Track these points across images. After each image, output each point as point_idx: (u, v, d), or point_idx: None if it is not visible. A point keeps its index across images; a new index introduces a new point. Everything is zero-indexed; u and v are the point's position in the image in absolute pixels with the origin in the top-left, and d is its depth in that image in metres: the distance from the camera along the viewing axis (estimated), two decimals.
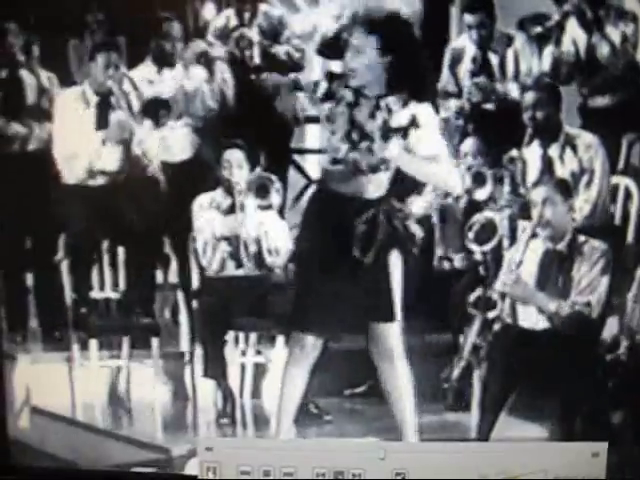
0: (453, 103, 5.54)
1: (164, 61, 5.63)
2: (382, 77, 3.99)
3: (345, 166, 3.94)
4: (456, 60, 5.66)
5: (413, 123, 3.96)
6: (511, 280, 4.63)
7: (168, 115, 5.39)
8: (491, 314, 4.63)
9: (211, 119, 5.64)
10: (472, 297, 4.67)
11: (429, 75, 4.45)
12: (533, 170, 5.15)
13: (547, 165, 5.16)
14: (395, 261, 4.08)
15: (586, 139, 5.16)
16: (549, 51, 5.46)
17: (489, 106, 5.54)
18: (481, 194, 5.16)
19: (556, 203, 4.69)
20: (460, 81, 5.64)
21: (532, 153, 5.16)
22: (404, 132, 3.95)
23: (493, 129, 5.36)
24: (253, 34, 5.72)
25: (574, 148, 5.17)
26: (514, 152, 5.11)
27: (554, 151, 5.16)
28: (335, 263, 4.01)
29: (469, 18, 5.55)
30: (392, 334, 4.12)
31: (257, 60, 5.70)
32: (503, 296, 4.64)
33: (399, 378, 4.17)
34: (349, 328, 4.32)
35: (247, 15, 5.72)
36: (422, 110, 4.01)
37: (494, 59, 5.60)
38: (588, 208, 5.07)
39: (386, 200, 4.03)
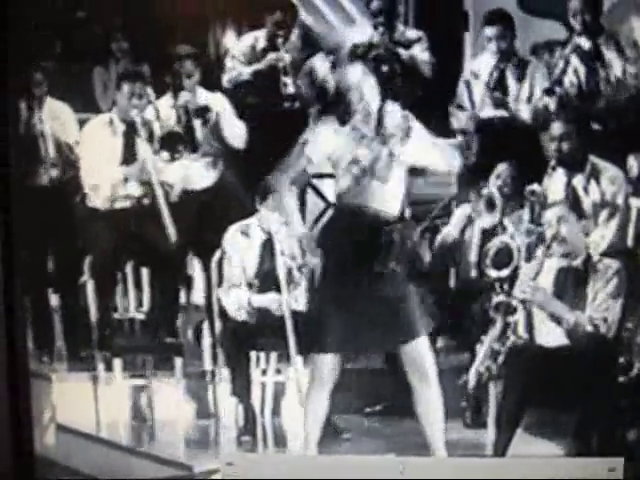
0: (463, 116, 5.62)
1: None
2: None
3: (374, 169, 4.03)
4: (474, 78, 5.75)
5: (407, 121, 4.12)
6: (530, 287, 4.68)
7: (185, 148, 5.47)
8: (512, 318, 4.66)
9: (231, 153, 5.72)
10: (494, 302, 4.71)
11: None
12: (556, 199, 5.15)
13: (571, 195, 5.18)
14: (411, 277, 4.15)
15: (611, 172, 5.17)
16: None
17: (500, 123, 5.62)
18: (486, 221, 5.22)
19: (571, 222, 4.76)
20: (473, 97, 5.74)
21: (555, 182, 5.18)
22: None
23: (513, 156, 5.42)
24: (288, 62, 5.79)
25: (598, 180, 5.20)
26: (535, 185, 5.16)
27: (579, 182, 5.17)
28: (354, 280, 4.08)
29: (488, 30, 5.68)
30: (423, 352, 4.18)
31: (291, 89, 5.77)
32: (523, 302, 4.69)
33: (432, 395, 4.23)
34: (371, 346, 4.37)
35: (280, 41, 5.79)
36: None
37: (511, 76, 5.69)
38: (605, 244, 5.10)
39: (403, 218, 4.12)
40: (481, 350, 4.70)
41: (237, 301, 5.07)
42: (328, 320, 4.16)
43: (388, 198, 4.10)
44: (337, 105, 4.16)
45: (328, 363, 4.19)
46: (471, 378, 4.70)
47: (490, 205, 5.25)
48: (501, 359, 4.64)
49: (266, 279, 5.11)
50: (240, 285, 5.10)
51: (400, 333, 4.16)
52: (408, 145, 4.12)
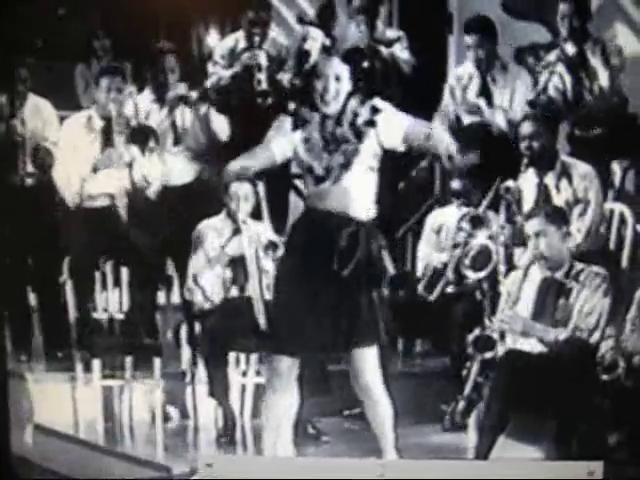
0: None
1: (161, 92, 5.74)
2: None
3: (329, 176, 4.00)
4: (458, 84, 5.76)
5: (375, 110, 4.06)
6: (508, 317, 4.60)
7: (157, 143, 5.45)
8: (489, 354, 4.61)
9: (208, 148, 5.72)
10: (471, 337, 4.64)
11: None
12: (529, 198, 5.15)
13: (543, 193, 5.16)
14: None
15: (581, 169, 5.17)
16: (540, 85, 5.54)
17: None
18: (482, 236, 5.18)
19: (550, 234, 4.60)
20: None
21: (528, 181, 5.17)
22: (371, 122, 4.07)
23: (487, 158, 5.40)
24: (262, 59, 5.80)
25: (569, 177, 5.18)
26: (510, 182, 5.14)
27: (550, 179, 5.16)
28: (315, 282, 4.02)
29: (468, 39, 5.65)
30: (365, 366, 4.11)
31: (264, 85, 5.77)
32: (502, 335, 4.63)
33: (378, 408, 4.18)
34: (325, 349, 4.27)
35: (257, 39, 5.79)
36: (377, 100, 4.13)
37: (492, 84, 5.67)
38: (581, 236, 5.08)
39: (370, 223, 4.07)
40: (466, 386, 4.66)
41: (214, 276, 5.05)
42: (284, 321, 4.11)
43: (351, 201, 4.03)
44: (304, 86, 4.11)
45: (283, 363, 4.11)
46: (459, 407, 4.68)
47: (479, 221, 5.21)
48: (485, 391, 4.58)
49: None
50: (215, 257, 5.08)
51: (347, 339, 4.07)
52: (373, 137, 4.05)
